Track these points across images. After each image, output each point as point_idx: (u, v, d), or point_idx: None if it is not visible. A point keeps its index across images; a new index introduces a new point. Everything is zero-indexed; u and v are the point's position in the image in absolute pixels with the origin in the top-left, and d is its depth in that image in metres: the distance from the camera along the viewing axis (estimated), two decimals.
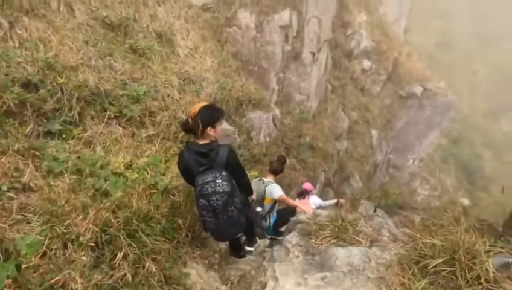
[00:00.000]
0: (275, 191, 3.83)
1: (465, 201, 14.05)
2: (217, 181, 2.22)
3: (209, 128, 2.29)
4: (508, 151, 19.99)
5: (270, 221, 4.04)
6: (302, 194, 4.95)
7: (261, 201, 3.82)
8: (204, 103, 2.41)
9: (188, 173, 2.38)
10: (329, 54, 9.97)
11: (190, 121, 2.29)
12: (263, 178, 4.01)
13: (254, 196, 3.05)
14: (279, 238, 3.54)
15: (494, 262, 1.86)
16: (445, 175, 16.59)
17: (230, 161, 2.34)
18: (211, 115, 2.33)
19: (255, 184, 3.74)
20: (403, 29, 17.48)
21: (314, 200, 4.86)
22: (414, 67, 13.24)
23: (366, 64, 11.49)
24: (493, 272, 1.80)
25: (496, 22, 26.81)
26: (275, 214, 4.08)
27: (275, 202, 3.94)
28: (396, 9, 16.00)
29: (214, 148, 2.31)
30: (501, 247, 1.98)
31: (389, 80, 12.33)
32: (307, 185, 5.01)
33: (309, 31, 8.07)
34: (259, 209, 3.76)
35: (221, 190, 2.23)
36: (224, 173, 2.27)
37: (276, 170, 4.06)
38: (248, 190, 2.76)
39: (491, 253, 1.91)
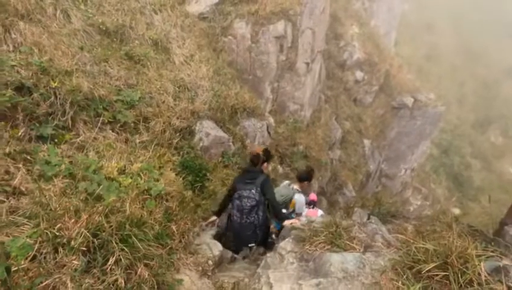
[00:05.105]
0: (299, 206, 4.15)
1: (456, 211, 14.19)
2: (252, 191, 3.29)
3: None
4: (496, 162, 20.41)
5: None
6: (310, 204, 4.90)
7: (287, 204, 4.14)
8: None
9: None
10: (322, 65, 10.14)
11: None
12: (292, 184, 4.26)
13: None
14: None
15: (486, 266, 1.88)
16: (436, 185, 16.77)
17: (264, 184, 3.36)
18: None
19: (284, 188, 4.21)
20: (393, 42, 17.98)
21: (320, 213, 4.88)
22: (405, 78, 13.54)
23: (359, 75, 11.71)
24: (485, 276, 1.82)
25: (480, 36, 27.80)
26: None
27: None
28: (386, 23, 16.48)
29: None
30: (492, 251, 2.01)
31: (381, 90, 12.57)
32: (314, 196, 4.83)
33: (303, 42, 8.21)
34: (285, 211, 4.06)
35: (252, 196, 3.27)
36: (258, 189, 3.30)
37: (301, 178, 4.29)
38: (277, 211, 3.57)
39: (482, 257, 1.93)
